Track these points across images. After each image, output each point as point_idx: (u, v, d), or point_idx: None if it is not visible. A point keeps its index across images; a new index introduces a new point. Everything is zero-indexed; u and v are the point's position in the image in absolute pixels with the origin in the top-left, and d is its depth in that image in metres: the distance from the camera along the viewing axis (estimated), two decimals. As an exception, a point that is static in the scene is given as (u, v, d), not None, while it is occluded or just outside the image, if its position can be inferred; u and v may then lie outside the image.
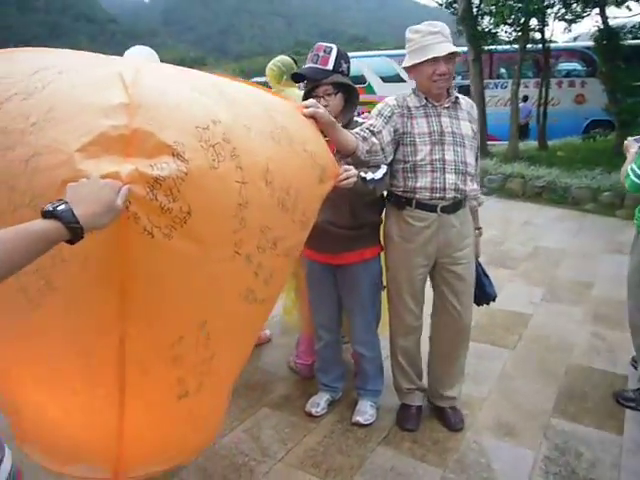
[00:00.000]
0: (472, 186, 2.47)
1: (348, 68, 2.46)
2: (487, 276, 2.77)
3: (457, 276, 2.51)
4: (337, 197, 2.29)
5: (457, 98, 2.44)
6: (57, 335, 1.45)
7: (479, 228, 2.73)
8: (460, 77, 13.44)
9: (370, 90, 15.12)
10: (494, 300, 2.80)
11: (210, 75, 1.75)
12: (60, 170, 1.21)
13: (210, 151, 1.34)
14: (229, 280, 1.50)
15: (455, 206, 2.44)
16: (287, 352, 3.42)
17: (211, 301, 1.50)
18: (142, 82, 1.36)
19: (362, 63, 15.22)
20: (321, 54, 2.41)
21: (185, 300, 1.43)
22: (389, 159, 2.40)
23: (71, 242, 1.07)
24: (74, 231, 1.06)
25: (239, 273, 1.52)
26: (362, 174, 2.18)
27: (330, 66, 2.39)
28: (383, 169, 2.32)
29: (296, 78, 2.50)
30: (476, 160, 2.54)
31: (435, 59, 2.25)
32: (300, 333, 3.19)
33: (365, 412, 2.72)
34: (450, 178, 2.37)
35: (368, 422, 2.69)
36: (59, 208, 1.05)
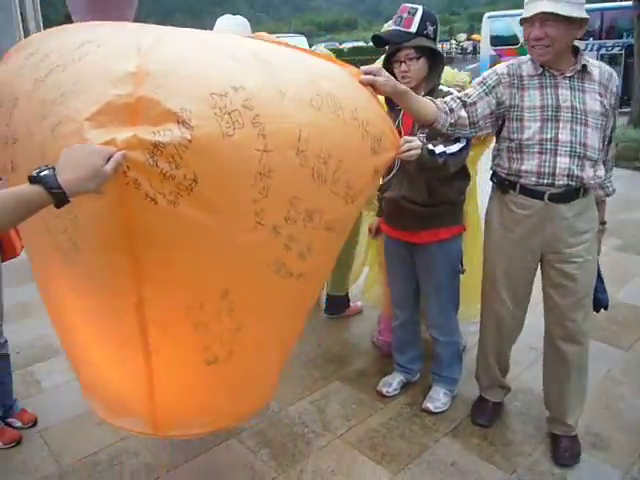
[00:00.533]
0: (593, 173, 2.06)
1: (434, 31, 2.24)
2: (601, 279, 2.33)
3: (566, 276, 2.14)
4: (413, 171, 2.16)
5: (585, 66, 2.02)
6: (91, 296, 1.53)
7: (604, 222, 2.31)
8: (628, 36, 11.92)
9: (523, 52, 14.00)
10: (605, 308, 2.37)
11: (258, 42, 1.70)
12: (72, 138, 1.23)
13: (225, 118, 1.28)
14: (252, 251, 1.46)
15: (568, 195, 2.07)
16: (374, 326, 3.34)
17: (232, 271, 1.47)
18: (158, 50, 1.34)
19: (515, 22, 14.10)
20: (405, 15, 2.22)
21: (202, 268, 1.42)
22: (480, 134, 2.17)
23: (57, 206, 1.10)
24: (56, 196, 1.09)
25: (263, 244, 1.47)
26: (430, 146, 2.00)
27: (413, 28, 2.19)
28: (461, 143, 2.10)
29: (377, 41, 2.33)
30: (607, 142, 2.14)
31: (527, 20, 1.95)
32: (381, 309, 3.09)
33: (437, 399, 2.58)
34: (563, 162, 2.02)
35: (438, 410, 2.55)
36: (42, 174, 1.08)
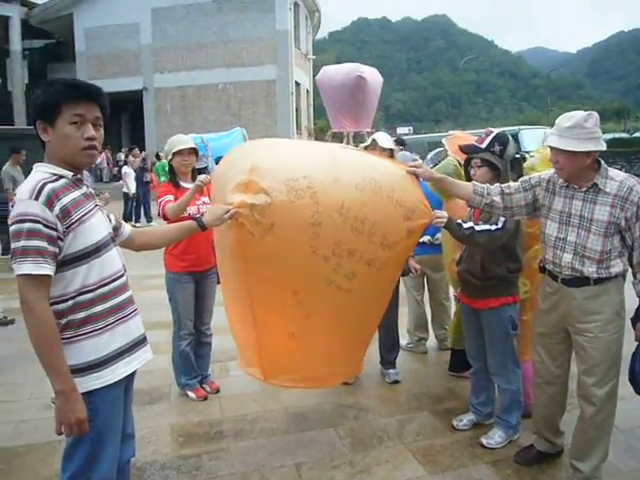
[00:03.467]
0: (596, 268, 2.57)
1: (502, 150, 3.06)
2: None
3: (579, 345, 2.69)
4: (475, 251, 3.00)
5: (595, 184, 2.56)
6: (232, 288, 2.84)
7: None
8: None
9: None
10: None
11: (336, 146, 2.92)
12: (223, 199, 2.48)
13: (293, 192, 2.43)
14: (309, 268, 2.54)
15: (576, 281, 2.64)
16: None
17: (298, 279, 2.57)
18: (267, 153, 2.61)
19: None
20: (483, 135, 3.13)
21: (281, 275, 2.55)
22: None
23: (202, 230, 2.38)
24: (202, 227, 2.34)
25: (317, 266, 2.53)
26: (459, 221, 2.87)
27: (484, 145, 3.07)
28: (492, 225, 2.89)
29: (463, 150, 3.21)
30: (618, 243, 2.57)
31: (550, 147, 2.66)
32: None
33: (491, 437, 3.18)
34: (567, 257, 2.65)
35: (490, 446, 3.14)
36: (197, 217, 2.37)
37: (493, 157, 3.05)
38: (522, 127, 18.45)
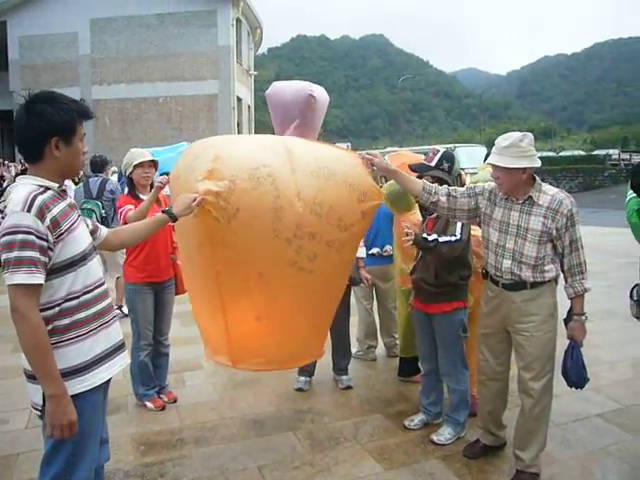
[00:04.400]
0: (531, 273, 2.85)
1: (450, 167, 3.33)
2: (576, 361, 2.88)
3: (518, 344, 2.97)
4: (429, 260, 3.24)
5: (530, 197, 2.86)
6: (197, 276, 3.00)
7: (582, 314, 2.88)
8: None
9: None
10: (580, 387, 2.98)
11: (287, 138, 3.11)
12: (193, 188, 2.57)
13: (254, 180, 2.59)
14: (273, 251, 2.71)
15: (516, 286, 2.91)
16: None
17: (263, 261, 2.72)
18: (229, 146, 2.76)
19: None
20: (430, 154, 3.38)
21: (246, 258, 2.70)
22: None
23: (173, 221, 2.44)
24: (172, 218, 2.40)
25: (281, 248, 2.70)
26: (425, 235, 3.15)
27: (433, 163, 3.33)
28: (452, 237, 3.14)
29: (413, 169, 3.44)
30: (568, 252, 2.83)
31: (491, 164, 2.94)
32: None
33: (441, 434, 3.40)
34: (506, 263, 2.92)
35: (440, 442, 3.36)
36: (166, 209, 2.44)
37: (443, 174, 3.31)
38: (457, 145, 19.26)
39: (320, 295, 2.98)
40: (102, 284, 2.05)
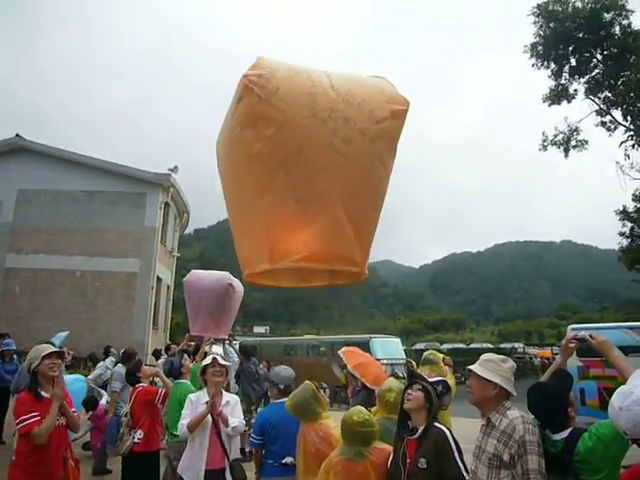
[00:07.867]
0: None
1: (442, 393, 3.36)
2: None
3: None
4: None
5: (489, 419, 2.89)
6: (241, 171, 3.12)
7: None
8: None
9: (608, 364, 13.56)
10: None
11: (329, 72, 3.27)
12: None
13: (292, 70, 2.96)
14: (310, 127, 2.86)
15: None
16: None
17: (302, 136, 2.86)
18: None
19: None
20: (434, 375, 3.53)
21: (285, 134, 2.83)
22: None
23: None
24: None
25: (317, 127, 2.87)
26: None
27: (431, 380, 3.35)
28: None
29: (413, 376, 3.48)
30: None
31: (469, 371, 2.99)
32: None
33: None
34: (481, 468, 2.84)
35: None
36: None
37: (434, 392, 3.26)
38: (373, 336, 19.72)
39: (357, 186, 2.99)
40: None
